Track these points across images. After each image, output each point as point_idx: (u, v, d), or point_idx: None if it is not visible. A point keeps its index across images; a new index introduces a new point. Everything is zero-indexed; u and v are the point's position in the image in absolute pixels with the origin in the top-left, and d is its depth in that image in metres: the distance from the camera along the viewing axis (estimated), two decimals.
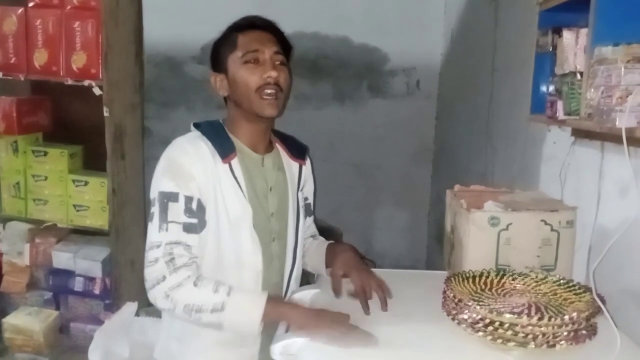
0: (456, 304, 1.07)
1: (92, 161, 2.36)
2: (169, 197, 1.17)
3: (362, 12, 3.17)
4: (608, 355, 0.97)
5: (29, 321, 2.25)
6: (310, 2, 3.13)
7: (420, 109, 3.27)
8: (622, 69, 1.04)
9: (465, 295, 1.10)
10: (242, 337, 1.25)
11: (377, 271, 1.33)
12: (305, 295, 1.31)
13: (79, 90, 2.17)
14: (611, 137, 1.16)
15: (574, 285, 1.14)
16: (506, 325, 0.98)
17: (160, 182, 1.19)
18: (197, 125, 1.28)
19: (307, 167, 1.44)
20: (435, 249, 3.11)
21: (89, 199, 2.27)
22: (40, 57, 2.15)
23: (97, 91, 2.11)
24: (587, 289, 1.11)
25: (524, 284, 1.18)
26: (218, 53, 1.28)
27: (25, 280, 2.36)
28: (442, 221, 1.55)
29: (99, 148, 2.15)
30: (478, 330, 1.01)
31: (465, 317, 1.03)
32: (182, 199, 1.17)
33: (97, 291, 2.29)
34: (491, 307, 1.03)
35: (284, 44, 1.29)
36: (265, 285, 1.28)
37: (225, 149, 1.23)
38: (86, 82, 2.11)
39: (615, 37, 1.10)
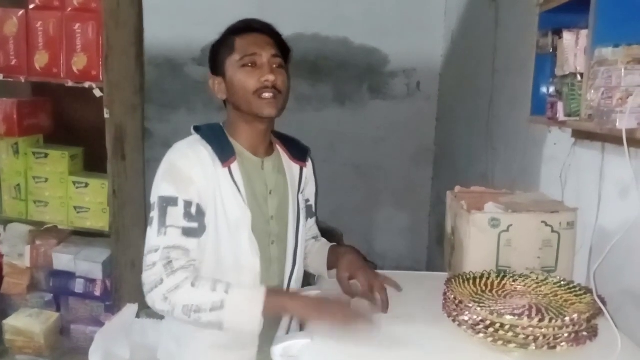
0: (457, 305, 1.06)
1: (93, 163, 2.36)
2: (168, 202, 1.18)
3: (362, 13, 3.17)
4: (609, 356, 0.97)
5: (30, 323, 2.25)
6: (310, 4, 3.14)
7: (421, 110, 3.28)
8: (623, 71, 1.04)
9: (466, 296, 1.09)
10: (240, 339, 1.25)
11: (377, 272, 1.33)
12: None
13: (79, 92, 2.17)
14: (612, 138, 1.16)
15: (574, 287, 1.14)
16: (507, 327, 0.98)
17: (160, 187, 1.20)
18: (197, 129, 1.28)
19: (308, 169, 1.43)
20: (436, 250, 3.11)
21: (90, 201, 2.27)
22: (41, 59, 2.15)
23: (97, 93, 2.11)
24: (588, 291, 1.11)
25: (524, 286, 1.18)
26: (216, 56, 1.28)
27: (26, 282, 2.36)
28: (442, 222, 1.55)
29: (99, 150, 2.15)
30: (479, 332, 1.01)
31: (466, 318, 1.03)
32: (181, 204, 1.17)
33: (97, 293, 2.29)
34: (492, 308, 1.03)
35: (282, 47, 1.29)
36: None
37: (224, 153, 1.23)
38: (87, 84, 2.11)
39: (616, 38, 1.10)
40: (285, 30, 1.35)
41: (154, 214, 1.19)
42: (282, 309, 1.15)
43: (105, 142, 2.13)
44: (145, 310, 2.01)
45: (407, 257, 3.42)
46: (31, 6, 2.16)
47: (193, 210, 1.18)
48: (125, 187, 2.25)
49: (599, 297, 1.08)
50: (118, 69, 2.16)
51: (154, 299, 1.16)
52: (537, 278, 1.19)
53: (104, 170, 2.17)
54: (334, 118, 3.27)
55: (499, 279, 1.19)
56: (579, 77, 1.27)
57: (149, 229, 1.19)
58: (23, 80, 2.20)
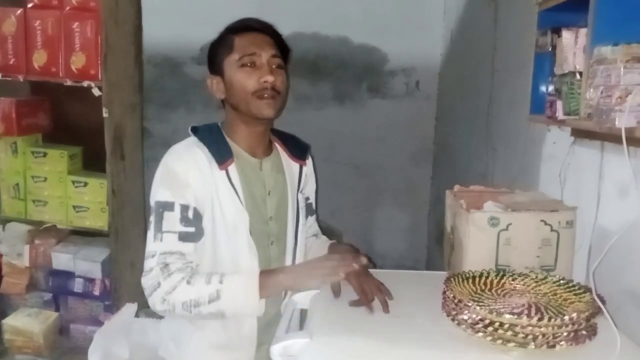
0: (456, 304, 1.06)
1: (92, 162, 2.36)
2: (164, 207, 1.18)
3: (361, 12, 3.17)
4: (608, 355, 0.97)
5: (29, 322, 2.25)
6: (309, 3, 3.14)
7: (420, 110, 3.27)
8: (622, 69, 1.04)
9: (465, 295, 1.09)
10: (239, 339, 1.25)
11: (377, 272, 1.33)
12: (305, 296, 1.30)
13: (78, 91, 2.17)
14: (611, 137, 1.16)
15: (573, 286, 1.13)
16: (506, 326, 0.98)
17: (157, 191, 1.20)
18: (194, 130, 1.28)
19: (308, 167, 1.43)
20: (435, 249, 3.11)
21: (89, 200, 2.26)
22: (39, 58, 2.15)
23: (96, 92, 2.11)
24: (587, 290, 1.11)
25: (523, 285, 1.18)
26: (215, 55, 1.28)
27: (25, 282, 2.36)
28: (442, 222, 1.55)
29: (98, 149, 2.15)
30: (478, 331, 1.00)
31: (465, 317, 1.03)
32: (177, 208, 1.18)
33: (96, 292, 2.29)
34: (491, 307, 1.03)
35: (281, 47, 1.28)
36: None
37: (222, 155, 1.23)
38: (85, 83, 2.11)
39: (615, 37, 1.10)
40: (285, 29, 1.35)
41: (152, 219, 1.19)
42: (278, 284, 1.16)
43: (104, 142, 2.13)
44: (144, 310, 2.00)
45: (407, 256, 3.42)
46: (29, 5, 2.15)
47: (190, 214, 1.18)
48: (124, 187, 2.25)
49: (598, 296, 1.08)
50: (117, 68, 2.16)
51: (154, 302, 1.17)
52: (536, 277, 1.19)
53: (103, 169, 2.17)
54: (333, 117, 3.27)
55: (498, 278, 1.19)
56: (578, 76, 1.27)
57: (148, 232, 1.20)
58: (21, 80, 2.20)
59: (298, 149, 1.40)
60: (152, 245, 1.18)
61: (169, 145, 1.26)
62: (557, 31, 1.35)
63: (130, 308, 1.95)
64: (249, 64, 1.22)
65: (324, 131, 3.19)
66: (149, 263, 1.17)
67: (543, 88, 1.50)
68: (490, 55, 2.23)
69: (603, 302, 1.07)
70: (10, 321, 2.26)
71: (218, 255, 1.23)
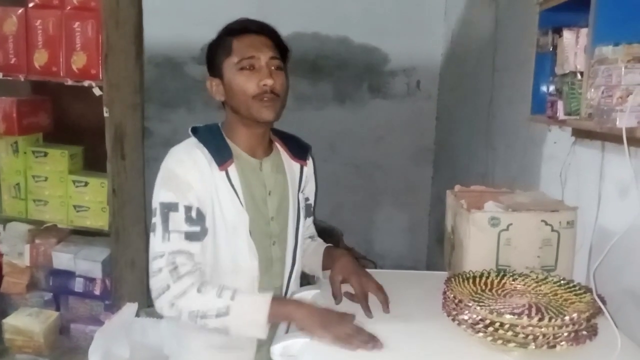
0: (456, 304, 1.06)
1: (93, 162, 2.35)
2: (169, 208, 1.18)
3: (362, 12, 3.17)
4: (608, 356, 0.97)
5: (29, 322, 2.25)
6: (310, 3, 3.14)
7: (421, 110, 3.27)
8: (623, 69, 1.04)
9: (466, 295, 1.09)
10: (239, 340, 1.25)
11: (377, 272, 1.33)
12: (306, 296, 1.31)
13: (79, 91, 2.17)
14: (612, 137, 1.16)
15: (574, 286, 1.14)
16: (506, 326, 0.98)
17: (160, 193, 1.20)
18: (194, 131, 1.27)
19: (308, 168, 1.43)
20: (436, 249, 3.11)
21: (89, 200, 2.26)
22: (40, 58, 2.15)
23: (97, 92, 2.11)
24: (588, 290, 1.11)
25: (524, 285, 1.18)
26: (213, 57, 1.27)
27: (26, 281, 2.36)
28: (442, 222, 1.55)
29: (99, 149, 2.15)
30: (478, 331, 1.00)
31: (466, 317, 1.03)
32: (181, 209, 1.18)
33: (97, 292, 2.28)
34: (491, 307, 1.03)
35: (280, 46, 1.28)
36: (263, 290, 1.28)
37: (221, 156, 1.23)
38: (86, 83, 2.11)
39: (616, 37, 1.10)
40: (285, 29, 1.34)
41: (156, 220, 1.19)
42: (287, 317, 1.14)
43: (104, 141, 2.13)
44: (144, 309, 2.01)
45: (407, 257, 3.42)
46: (30, 5, 2.15)
47: (193, 214, 1.19)
48: (125, 186, 2.25)
49: (599, 296, 1.08)
50: (118, 68, 2.16)
51: (161, 306, 1.16)
52: (536, 277, 1.19)
53: (104, 169, 2.17)
54: (333, 117, 3.27)
55: (498, 278, 1.19)
56: (579, 76, 1.27)
57: (152, 235, 1.19)
58: (22, 79, 2.20)
59: (299, 149, 1.40)
60: (160, 246, 1.17)
61: (169, 144, 1.26)
62: (558, 31, 1.35)
63: (130, 308, 1.95)
64: (248, 67, 1.22)
65: (324, 131, 3.19)
66: (157, 263, 1.16)
67: (544, 88, 1.50)
68: (491, 55, 2.23)
69: (603, 302, 1.07)
70: (11, 321, 2.26)
71: (218, 255, 1.23)
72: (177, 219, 1.17)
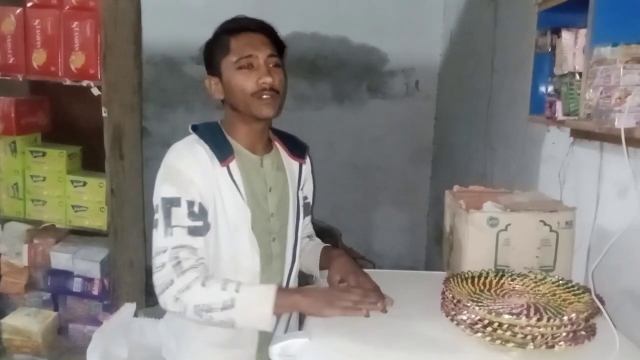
0: (455, 304, 1.06)
1: (91, 162, 2.35)
2: (171, 203, 1.18)
3: (361, 12, 3.17)
4: (607, 356, 0.97)
5: (28, 322, 2.24)
6: (309, 3, 3.14)
7: (420, 110, 3.28)
8: (621, 70, 1.04)
9: (464, 296, 1.09)
10: (240, 338, 1.25)
11: (376, 272, 1.33)
12: None
13: (77, 91, 2.17)
14: (610, 137, 1.16)
15: (572, 286, 1.14)
16: (505, 326, 0.98)
17: (162, 189, 1.20)
18: (195, 129, 1.28)
19: (307, 166, 1.44)
20: (435, 249, 3.11)
21: (88, 200, 2.26)
22: (38, 58, 2.15)
23: (95, 91, 2.11)
24: (586, 290, 1.11)
25: (523, 285, 1.18)
26: (211, 56, 1.28)
27: (24, 281, 2.35)
28: (441, 222, 1.55)
29: (97, 148, 2.15)
30: (477, 331, 1.00)
31: (464, 317, 1.03)
32: (184, 204, 1.18)
33: (95, 292, 2.28)
34: (490, 307, 1.03)
35: (276, 43, 1.29)
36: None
37: (223, 152, 1.23)
38: (85, 83, 2.11)
39: (614, 37, 1.10)
40: (284, 29, 1.35)
41: (159, 216, 1.19)
42: (294, 306, 1.15)
43: (103, 141, 2.13)
44: (143, 310, 2.01)
45: (406, 257, 3.42)
46: (29, 4, 2.15)
47: (196, 209, 1.19)
48: (124, 186, 2.25)
49: (597, 296, 1.08)
50: (116, 68, 2.16)
51: (165, 301, 1.16)
52: (535, 277, 1.19)
53: (102, 169, 2.17)
54: (332, 117, 3.27)
55: (497, 278, 1.19)
56: (577, 76, 1.27)
57: (154, 231, 1.19)
58: (21, 79, 2.20)
59: (297, 148, 1.40)
60: (163, 241, 1.17)
61: (168, 144, 1.26)
62: (556, 32, 1.35)
63: (129, 308, 1.95)
64: (246, 66, 1.23)
65: (323, 131, 3.19)
66: (160, 259, 1.16)
67: (542, 88, 1.50)
68: (490, 56, 2.23)
69: (602, 302, 1.07)
70: (9, 321, 2.26)
71: (219, 251, 1.23)
72: (180, 214, 1.17)
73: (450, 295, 1.09)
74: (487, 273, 1.21)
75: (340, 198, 3.24)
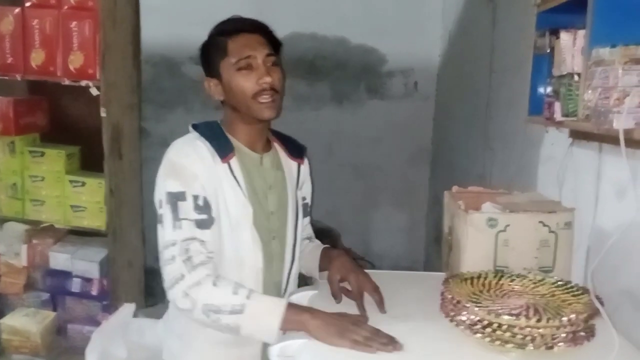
0: (454, 305, 1.06)
1: (90, 162, 2.35)
2: (177, 197, 1.18)
3: (360, 13, 3.17)
4: (606, 357, 0.97)
5: (26, 322, 2.24)
6: (308, 3, 3.13)
7: (418, 110, 3.28)
8: (620, 71, 1.04)
9: (464, 296, 1.09)
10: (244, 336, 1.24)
11: (375, 273, 1.33)
12: (303, 297, 1.31)
13: (76, 91, 2.17)
14: (609, 138, 1.16)
15: (572, 287, 1.14)
16: (504, 327, 0.98)
17: (166, 184, 1.20)
18: (195, 127, 1.29)
19: (305, 167, 1.44)
20: (434, 250, 3.11)
21: (87, 200, 2.26)
22: (37, 57, 2.15)
23: (94, 92, 2.10)
24: (585, 291, 1.11)
25: (522, 286, 1.18)
26: (209, 58, 1.28)
27: (23, 281, 2.35)
28: (440, 222, 1.56)
29: (96, 149, 2.15)
30: (476, 332, 1.00)
31: (464, 318, 1.03)
32: (189, 198, 1.18)
33: (94, 292, 2.28)
34: (489, 308, 1.03)
35: (273, 42, 1.29)
36: (266, 284, 1.29)
37: (223, 149, 1.24)
38: (83, 83, 2.11)
39: (613, 38, 1.10)
40: (283, 29, 1.35)
41: (165, 211, 1.18)
42: (301, 326, 1.09)
43: (102, 141, 2.13)
44: (142, 310, 2.00)
45: (405, 257, 3.42)
46: (27, 4, 2.15)
47: (201, 202, 1.19)
48: (122, 187, 2.24)
49: (597, 297, 1.08)
50: (115, 68, 2.16)
51: (175, 296, 1.15)
52: (534, 278, 1.19)
53: (101, 169, 2.17)
54: (331, 118, 3.27)
55: (496, 279, 1.19)
56: (576, 77, 1.27)
57: (159, 226, 1.19)
58: (19, 79, 2.19)
59: (295, 149, 1.41)
60: (172, 234, 1.16)
61: (167, 144, 1.26)
62: (555, 33, 1.35)
63: (128, 308, 1.94)
64: (245, 67, 1.23)
65: (322, 132, 3.18)
66: (170, 252, 1.15)
67: (541, 89, 1.50)
68: (489, 57, 2.23)
69: (601, 303, 1.07)
70: (8, 321, 2.25)
71: (223, 247, 1.23)
72: (186, 208, 1.17)
73: (450, 296, 1.09)
74: (486, 274, 1.21)
75: (339, 198, 3.24)
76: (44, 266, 2.33)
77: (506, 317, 0.98)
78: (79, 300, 2.32)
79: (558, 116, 1.34)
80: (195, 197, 1.18)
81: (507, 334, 0.97)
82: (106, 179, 2.16)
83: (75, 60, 2.12)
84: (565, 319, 0.98)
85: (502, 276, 1.20)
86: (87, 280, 2.27)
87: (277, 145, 1.39)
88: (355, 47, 3.22)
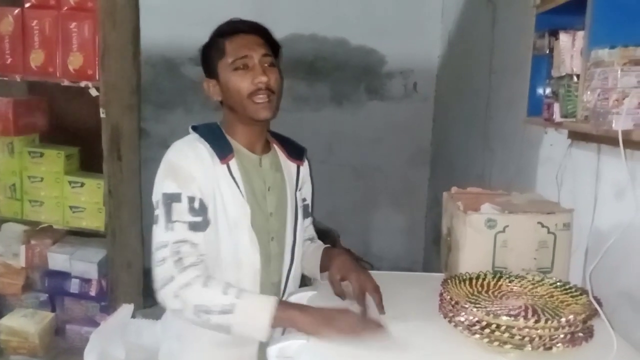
0: (453, 306, 1.06)
1: (89, 162, 2.35)
2: (172, 198, 1.18)
3: (359, 14, 3.17)
4: (604, 357, 0.97)
5: (25, 323, 2.24)
6: (308, 4, 3.14)
7: (418, 111, 3.28)
8: (619, 72, 1.04)
9: (462, 297, 1.09)
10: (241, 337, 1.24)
11: (374, 273, 1.33)
12: (302, 297, 1.30)
13: (75, 92, 2.17)
14: (607, 139, 1.16)
15: (570, 288, 1.14)
16: (503, 328, 0.98)
17: (163, 185, 1.20)
18: (194, 128, 1.30)
19: (304, 168, 1.44)
20: (433, 251, 3.11)
21: (85, 201, 2.26)
22: (36, 58, 2.14)
23: (93, 92, 2.10)
24: (584, 292, 1.11)
25: (520, 287, 1.18)
26: (208, 59, 1.30)
27: (21, 282, 2.35)
28: (439, 223, 1.56)
29: (95, 149, 2.15)
30: (475, 333, 1.00)
31: (462, 319, 1.03)
32: (185, 199, 1.18)
33: (93, 293, 2.28)
34: (488, 309, 1.03)
35: (271, 43, 1.29)
36: (264, 285, 1.29)
37: (222, 150, 1.24)
38: (83, 83, 2.10)
39: (612, 39, 1.10)
40: (283, 30, 1.35)
41: (159, 212, 1.19)
42: (291, 322, 1.11)
43: (101, 142, 2.13)
44: (140, 311, 2.00)
45: (404, 258, 3.42)
46: (27, 5, 2.15)
47: (196, 204, 1.19)
48: (121, 187, 2.24)
49: (595, 298, 1.08)
50: (114, 69, 2.16)
51: (165, 297, 1.16)
52: (533, 279, 1.19)
53: (100, 170, 2.16)
54: (331, 118, 3.27)
55: (495, 280, 1.20)
56: (575, 79, 1.27)
57: (154, 226, 1.19)
58: (18, 79, 2.19)
59: (295, 150, 1.41)
60: (164, 235, 1.17)
61: (166, 145, 1.27)
62: (554, 34, 1.36)
63: (126, 309, 1.94)
64: (242, 67, 1.24)
65: (321, 132, 3.19)
66: (161, 253, 1.16)
67: (540, 90, 1.50)
68: (488, 58, 2.24)
69: (599, 304, 1.07)
70: (6, 322, 2.25)
71: (220, 248, 1.23)
72: (180, 209, 1.18)
73: (448, 297, 1.09)
74: (485, 275, 1.21)
75: (339, 199, 3.24)
76: (42, 267, 2.33)
77: (505, 317, 0.98)
78: (77, 301, 2.32)
79: (557, 117, 1.34)
80: (191, 199, 1.19)
81: (506, 335, 0.97)
82: (105, 180, 2.16)
83: (75, 61, 2.11)
84: (563, 319, 0.98)
85: (500, 277, 1.20)
86: (86, 281, 2.27)
87: (276, 147, 1.39)
88: (355, 48, 3.22)
